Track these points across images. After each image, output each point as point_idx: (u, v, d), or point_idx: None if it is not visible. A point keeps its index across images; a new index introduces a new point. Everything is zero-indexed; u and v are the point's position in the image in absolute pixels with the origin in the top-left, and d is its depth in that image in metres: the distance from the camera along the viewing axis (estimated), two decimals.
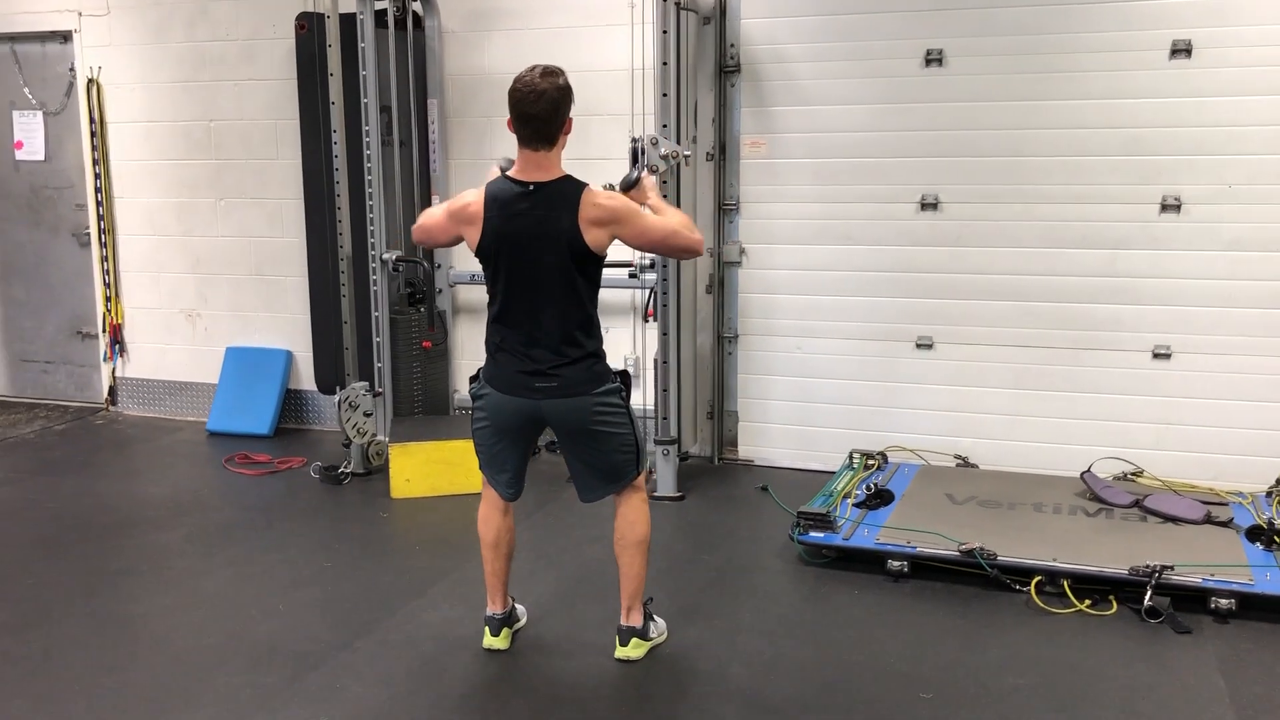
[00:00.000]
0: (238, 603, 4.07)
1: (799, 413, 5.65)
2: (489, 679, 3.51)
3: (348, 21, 5.50)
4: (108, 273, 6.85)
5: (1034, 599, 3.98)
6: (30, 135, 7.00)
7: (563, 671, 3.57)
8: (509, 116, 3.26)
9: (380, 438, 5.63)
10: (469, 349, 6.22)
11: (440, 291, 6.10)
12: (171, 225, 6.70)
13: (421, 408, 5.91)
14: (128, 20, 6.56)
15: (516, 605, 3.84)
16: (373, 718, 3.24)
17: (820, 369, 5.58)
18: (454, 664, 3.58)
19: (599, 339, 3.39)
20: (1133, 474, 5.04)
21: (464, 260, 6.09)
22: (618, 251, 5.48)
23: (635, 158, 4.70)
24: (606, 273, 5.44)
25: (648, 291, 5.28)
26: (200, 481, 5.66)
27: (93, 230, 6.84)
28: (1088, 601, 3.96)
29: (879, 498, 4.80)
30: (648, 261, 5.23)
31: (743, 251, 5.62)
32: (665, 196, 4.97)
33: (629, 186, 3.59)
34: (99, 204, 6.78)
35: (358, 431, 5.54)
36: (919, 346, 5.41)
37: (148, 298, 6.84)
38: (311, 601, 4.08)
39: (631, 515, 3.56)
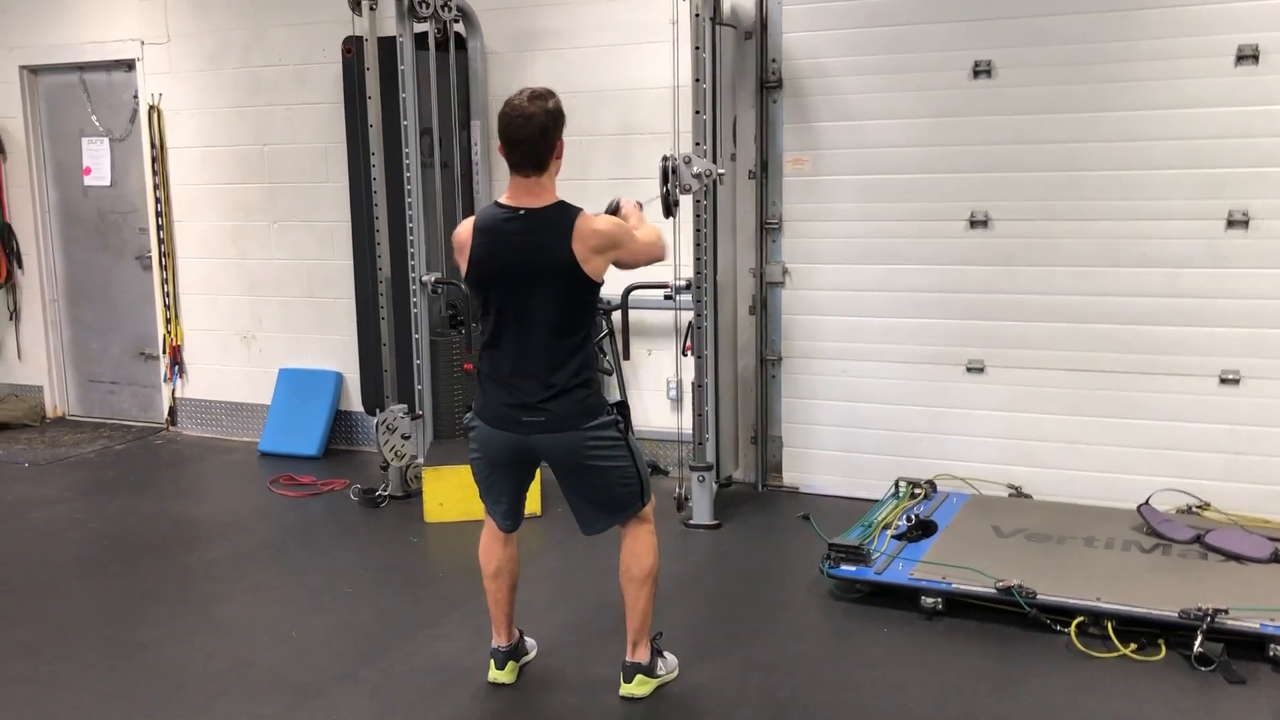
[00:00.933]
0: (252, 629, 4.04)
1: (845, 438, 5.45)
2: (486, 715, 3.40)
3: (390, 45, 5.50)
4: (168, 295, 6.97)
5: (1074, 641, 3.73)
6: (98, 161, 7.18)
7: (563, 709, 3.45)
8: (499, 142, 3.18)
9: (419, 461, 5.59)
10: None
11: None
12: (228, 248, 6.79)
13: (462, 431, 5.85)
14: (187, 47, 6.69)
15: (525, 638, 3.73)
16: None
17: (867, 393, 5.37)
18: (454, 698, 3.49)
19: (592, 369, 3.26)
20: (1197, 507, 4.72)
21: None
22: (653, 273, 5.46)
23: (666, 177, 4.60)
24: (643, 294, 5.49)
25: (688, 324, 5.11)
26: (243, 503, 5.69)
27: (154, 253, 6.97)
28: (1133, 645, 3.69)
29: (920, 529, 4.58)
30: (683, 283, 5.10)
31: (786, 271, 5.45)
32: (700, 216, 4.89)
33: (610, 211, 3.51)
34: (159, 228, 6.91)
35: (395, 454, 5.51)
36: (970, 370, 5.17)
37: (205, 319, 6.94)
38: (325, 628, 4.03)
39: (637, 548, 3.43)
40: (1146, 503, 4.59)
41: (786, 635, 3.93)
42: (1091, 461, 4.99)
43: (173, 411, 7.13)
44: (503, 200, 3.20)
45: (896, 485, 5.11)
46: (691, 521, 5.06)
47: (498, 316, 3.23)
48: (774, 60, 5.32)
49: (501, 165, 5.98)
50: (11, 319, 7.52)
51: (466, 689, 3.54)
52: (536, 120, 3.08)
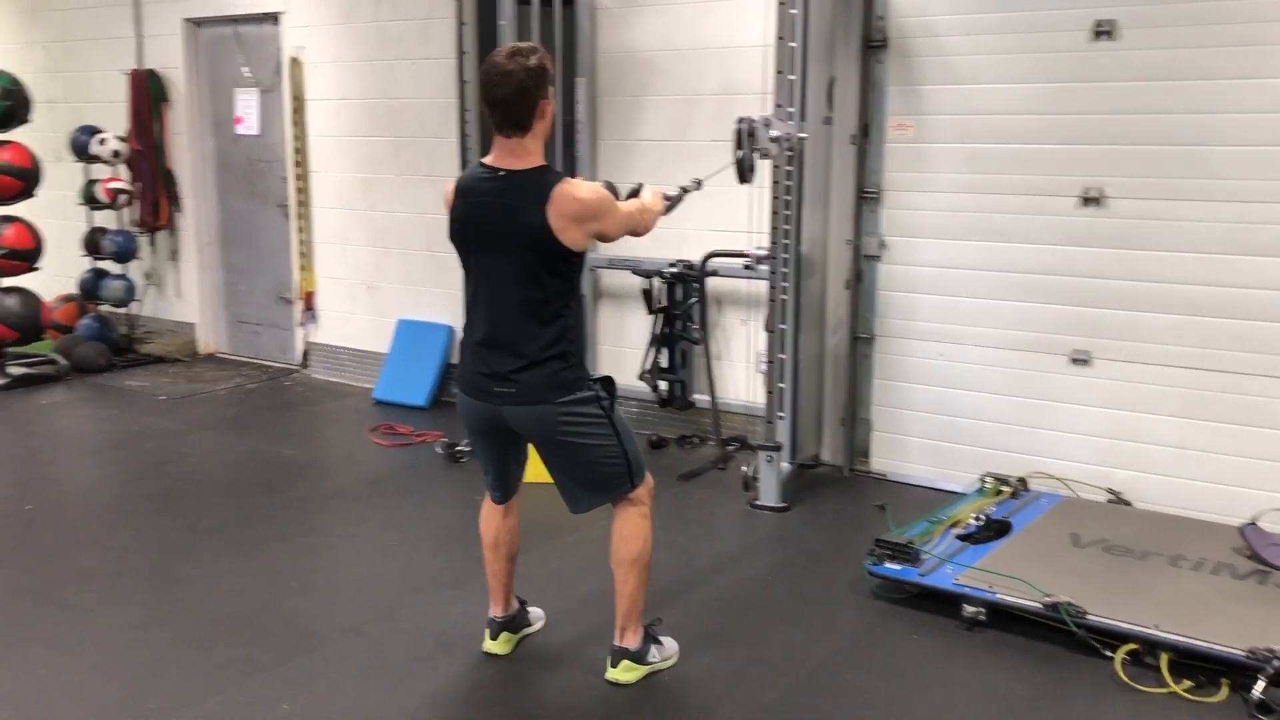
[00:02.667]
0: (285, 575, 4.13)
1: (937, 426, 5.10)
2: (467, 684, 3.36)
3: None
4: (303, 242, 7.23)
5: (1117, 671, 3.35)
6: (248, 111, 7.49)
7: (545, 687, 3.36)
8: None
9: None
10: (610, 335, 6.07)
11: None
12: (357, 199, 6.96)
13: None
14: (326, 0, 6.86)
15: (529, 609, 3.66)
16: (324, 711, 3.17)
17: (962, 379, 5.00)
18: (443, 665, 3.46)
19: (568, 341, 3.10)
20: None
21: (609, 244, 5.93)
22: (733, 241, 5.24)
23: (741, 140, 4.39)
24: (719, 262, 5.28)
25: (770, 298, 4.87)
26: (337, 449, 5.86)
27: (291, 202, 7.23)
28: (1188, 683, 3.29)
29: (992, 530, 4.24)
30: (764, 252, 4.86)
31: (883, 245, 5.12)
32: (780, 183, 4.64)
33: (628, 198, 3.38)
34: (297, 177, 7.16)
35: None
36: (1074, 361, 4.73)
37: (336, 267, 7.16)
38: (354, 580, 4.08)
39: (625, 530, 3.29)
40: (1252, 522, 4.08)
41: (807, 632, 3.71)
42: (1201, 470, 4.48)
43: (305, 355, 7.42)
44: (485, 160, 3.10)
45: (982, 480, 4.75)
46: (757, 502, 4.85)
47: (474, 281, 3.15)
48: (880, 18, 4.96)
49: (607, 124, 5.95)
50: (172, 259, 7.99)
51: (460, 656, 3.51)
52: (515, 78, 2.95)
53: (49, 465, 5.56)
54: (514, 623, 3.55)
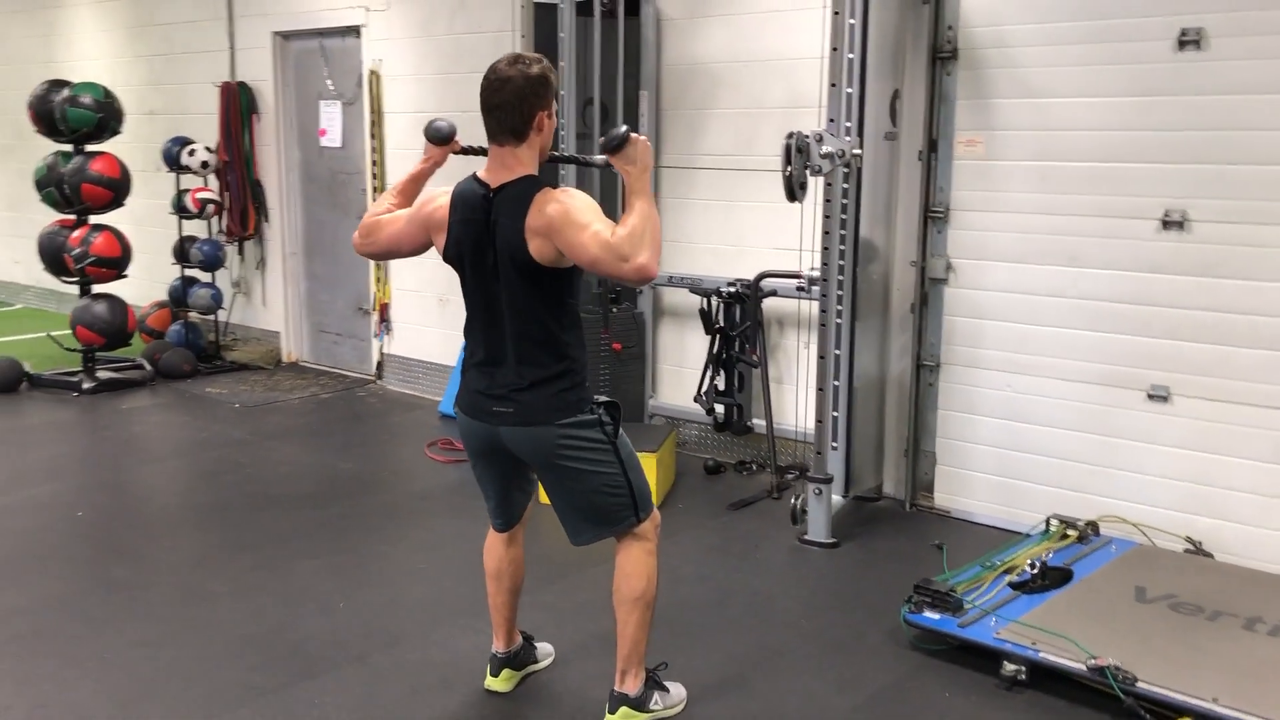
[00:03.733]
0: (309, 595, 4.07)
1: (1004, 462, 4.77)
2: None
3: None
4: None
5: None
6: (331, 123, 7.55)
7: None
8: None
9: None
10: (670, 355, 5.90)
11: (640, 292, 5.82)
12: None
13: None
14: (404, 13, 6.87)
15: (537, 645, 3.52)
16: None
17: (1031, 412, 4.67)
18: (441, 699, 3.34)
19: (570, 360, 2.95)
20: None
21: (672, 261, 5.77)
22: (786, 261, 5.01)
23: (789, 156, 4.19)
24: (778, 283, 5.06)
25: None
26: (393, 463, 5.82)
27: None
28: None
29: (1049, 579, 3.92)
30: (818, 272, 4.63)
31: (950, 267, 4.82)
32: (833, 201, 4.37)
33: (612, 148, 2.80)
34: (374, 189, 7.18)
35: None
36: (1152, 397, 4.36)
37: (411, 280, 7.15)
38: (375, 604, 4.00)
39: (628, 567, 3.11)
40: None
41: (831, 683, 3.46)
42: None
43: (380, 366, 7.44)
44: (479, 173, 2.97)
45: (1048, 522, 4.43)
46: (806, 537, 4.61)
47: (469, 298, 3.02)
48: (950, 27, 4.68)
49: (671, 137, 5.78)
50: (259, 268, 8.12)
51: (459, 692, 3.38)
52: (513, 85, 2.81)
53: (110, 471, 5.66)
54: (517, 659, 3.40)
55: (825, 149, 4.25)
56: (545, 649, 3.54)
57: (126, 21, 8.85)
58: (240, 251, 8.12)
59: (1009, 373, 4.71)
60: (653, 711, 3.18)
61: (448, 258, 3.01)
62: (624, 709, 3.14)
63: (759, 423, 5.44)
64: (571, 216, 2.77)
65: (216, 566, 4.35)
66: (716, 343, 5.40)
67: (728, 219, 5.57)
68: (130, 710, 3.24)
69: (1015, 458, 4.74)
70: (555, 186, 2.88)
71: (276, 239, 7.96)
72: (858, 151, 4.37)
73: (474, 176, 2.96)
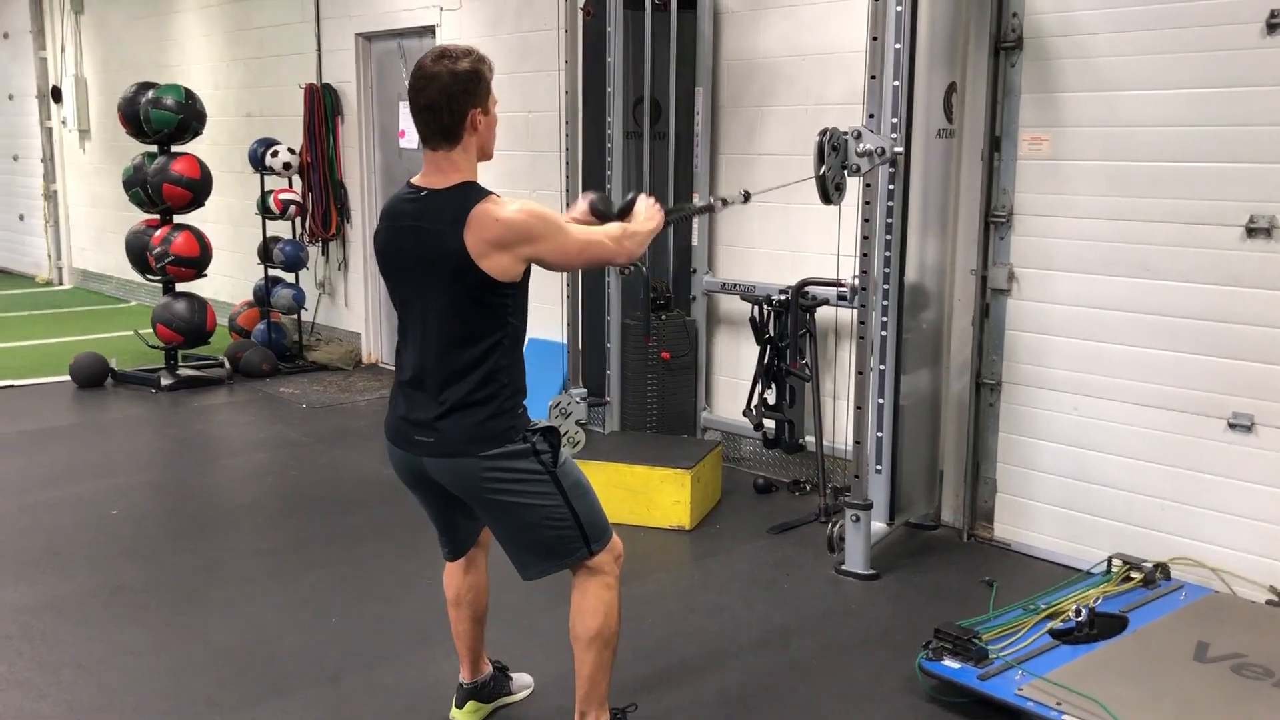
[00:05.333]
0: (306, 608, 3.94)
1: (1069, 493, 4.33)
2: None
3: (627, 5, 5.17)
4: None
5: None
6: (409, 124, 7.49)
7: None
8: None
9: None
10: (725, 365, 5.60)
11: (694, 299, 5.54)
12: None
13: (655, 424, 5.41)
14: (474, 13, 6.76)
15: (512, 676, 3.29)
16: None
17: (1099, 440, 4.22)
18: None
19: (498, 384, 2.69)
20: None
21: (727, 267, 5.50)
22: (828, 268, 4.66)
23: (823, 155, 3.89)
24: (829, 292, 4.72)
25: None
26: None
27: None
28: None
29: (1095, 627, 3.50)
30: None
31: (1012, 277, 4.40)
32: (872, 204, 4.04)
33: (622, 211, 2.98)
34: None
35: (569, 441, 5.21)
36: (1234, 426, 3.87)
37: None
38: (366, 619, 3.83)
39: (583, 603, 2.85)
40: None
41: None
42: None
43: None
44: (414, 179, 2.75)
45: (1109, 563, 3.99)
46: (843, 567, 4.27)
47: (400, 314, 2.80)
48: (1014, 14, 4.27)
49: (729, 136, 5.49)
50: (341, 269, 8.14)
51: (425, 719, 3.18)
52: (439, 82, 2.59)
53: (159, 470, 5.68)
54: (483, 690, 3.18)
55: (863, 147, 3.92)
56: (523, 680, 3.31)
57: (225, 26, 9.01)
58: (324, 252, 8.16)
59: (1075, 394, 4.27)
60: None
61: (380, 268, 2.80)
62: None
63: (811, 440, 5.10)
64: (549, 221, 2.64)
65: (226, 572, 4.27)
66: (767, 354, 5.08)
67: (786, 222, 5.25)
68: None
69: (1081, 488, 4.29)
70: (490, 192, 2.65)
71: (358, 240, 7.96)
72: (899, 150, 4.01)
73: (408, 183, 2.75)
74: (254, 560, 4.38)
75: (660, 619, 3.87)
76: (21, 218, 12.82)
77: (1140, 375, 4.09)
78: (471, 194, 2.61)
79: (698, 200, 3.09)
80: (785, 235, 5.25)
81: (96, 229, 11.32)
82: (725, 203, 3.32)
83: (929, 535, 4.68)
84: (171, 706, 3.24)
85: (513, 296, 2.66)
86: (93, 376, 7.29)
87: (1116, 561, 3.96)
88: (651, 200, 2.99)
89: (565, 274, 5.44)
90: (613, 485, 4.78)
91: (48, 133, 11.87)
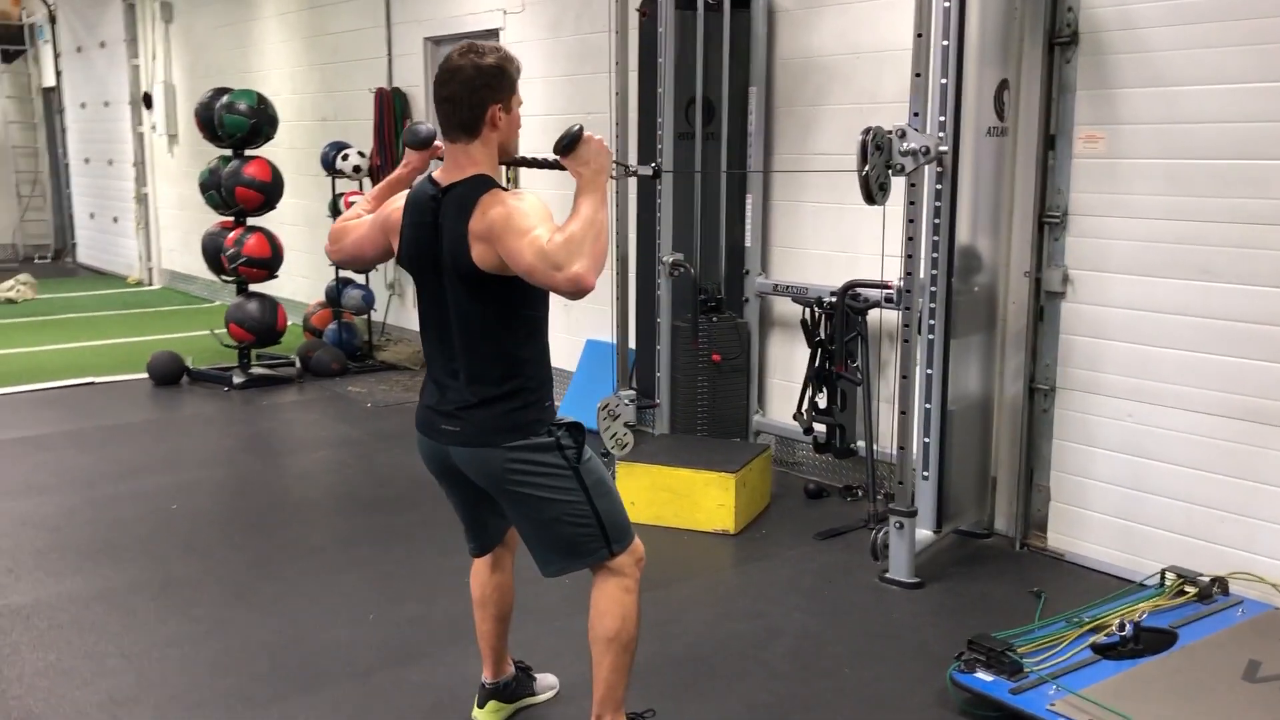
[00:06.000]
0: (345, 606, 3.99)
1: (1124, 502, 4.18)
2: None
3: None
4: None
5: None
6: None
7: None
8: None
9: None
10: (780, 368, 5.54)
11: (747, 301, 5.48)
12: (558, 217, 6.81)
13: (706, 427, 5.37)
14: (535, 16, 6.80)
15: (537, 677, 3.30)
16: None
17: (1156, 448, 4.07)
18: None
19: (524, 377, 2.70)
20: None
21: (781, 268, 5.44)
22: (875, 268, 4.57)
23: (865, 155, 3.82)
24: (869, 294, 4.63)
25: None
26: None
27: None
28: None
29: (1140, 643, 3.38)
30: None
31: (1067, 279, 4.27)
32: (916, 204, 3.96)
33: (562, 147, 2.56)
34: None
35: (617, 443, 5.19)
36: None
37: None
38: (401, 619, 3.87)
39: (601, 604, 2.83)
40: None
41: None
42: None
43: None
44: (434, 173, 2.76)
45: (1163, 575, 3.84)
46: (886, 575, 4.18)
47: (422, 307, 2.82)
48: (1069, 9, 4.14)
49: (783, 136, 5.42)
50: None
51: (448, 718, 3.20)
52: (463, 74, 2.59)
53: (221, 466, 5.81)
54: (505, 690, 3.18)
55: (908, 145, 3.84)
56: (547, 681, 3.31)
57: (303, 32, 9.21)
58: None
59: (1131, 400, 4.12)
60: None
61: (401, 263, 2.82)
62: None
63: (865, 445, 5.01)
64: (513, 221, 2.52)
65: (273, 568, 4.34)
66: (818, 357, 5.00)
67: (839, 223, 5.17)
68: (118, 711, 3.22)
69: (1137, 498, 4.14)
70: (505, 188, 2.64)
71: None
72: (944, 149, 3.92)
73: (429, 177, 2.76)
74: (302, 557, 4.46)
75: (694, 624, 3.84)
76: (116, 220, 13.27)
77: (1198, 382, 3.93)
78: (479, 187, 2.61)
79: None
80: (838, 236, 5.17)
81: (183, 231, 11.65)
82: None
83: (980, 544, 4.57)
84: (204, 699, 3.30)
85: (521, 288, 2.63)
86: (169, 374, 7.50)
87: (1170, 575, 3.81)
88: (599, 140, 2.61)
89: (613, 275, 5.43)
90: (657, 488, 4.77)
91: (139, 138, 12.27)
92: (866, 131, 3.82)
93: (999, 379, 4.47)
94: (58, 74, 14.27)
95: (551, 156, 2.68)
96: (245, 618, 3.89)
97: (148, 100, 11.89)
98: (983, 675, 3.21)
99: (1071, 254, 4.25)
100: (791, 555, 4.47)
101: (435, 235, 2.65)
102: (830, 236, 5.22)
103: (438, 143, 2.91)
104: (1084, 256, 4.22)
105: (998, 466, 4.57)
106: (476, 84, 2.59)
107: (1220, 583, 3.77)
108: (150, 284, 12.57)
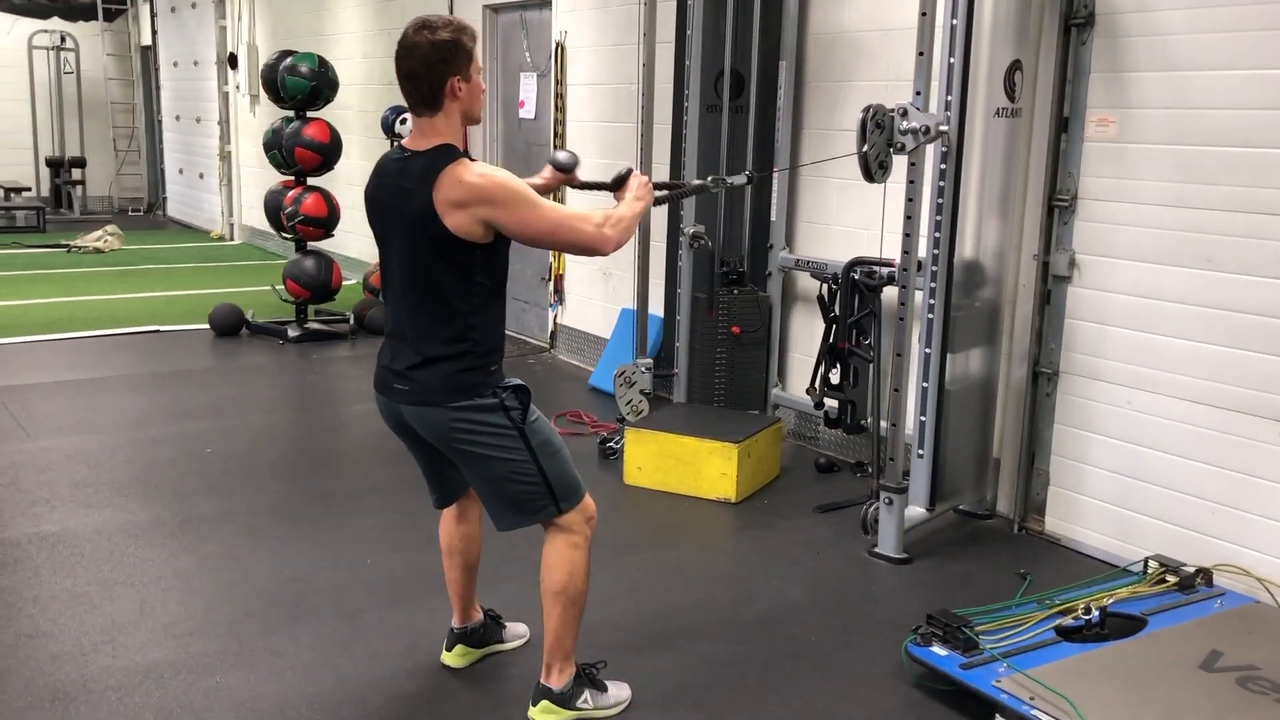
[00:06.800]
0: (349, 549, 4.17)
1: (1119, 489, 4.17)
2: (384, 693, 3.18)
3: None
4: None
5: None
6: (528, 95, 7.70)
7: (468, 715, 3.12)
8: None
9: None
10: (802, 343, 5.58)
11: (770, 275, 5.53)
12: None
13: (723, 398, 5.45)
14: None
15: (506, 625, 3.44)
16: (232, 688, 3.15)
17: (1152, 436, 4.04)
18: (392, 665, 3.33)
19: (471, 341, 2.81)
20: None
21: (805, 243, 5.48)
22: (880, 246, 4.59)
23: (864, 133, 3.86)
24: (881, 271, 4.63)
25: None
26: None
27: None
28: None
29: (1107, 627, 3.40)
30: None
31: (1074, 263, 4.25)
32: (915, 183, 4.00)
33: (616, 182, 3.05)
34: None
35: (632, 410, 5.31)
36: None
37: None
38: (399, 565, 4.04)
39: (550, 559, 2.96)
40: None
41: (798, 711, 3.15)
42: None
43: (553, 336, 7.55)
44: (404, 141, 2.89)
45: (1145, 564, 3.83)
46: (875, 550, 4.23)
47: (382, 269, 2.96)
48: None
49: (811, 111, 5.44)
50: None
51: (414, 660, 3.37)
52: (419, 52, 2.71)
53: (260, 414, 6.07)
54: (473, 636, 3.33)
55: (908, 124, 3.86)
56: (517, 630, 3.45)
57: None
58: None
59: (1130, 388, 4.10)
60: (579, 710, 3.02)
61: (369, 223, 2.96)
62: (545, 702, 3.00)
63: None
64: (513, 191, 2.71)
65: (287, 511, 4.56)
66: (832, 332, 5.04)
67: (863, 200, 5.17)
68: (116, 634, 3.45)
69: (1132, 485, 4.12)
70: (471, 157, 2.76)
71: None
72: (945, 128, 3.92)
73: (398, 144, 2.89)
74: (316, 502, 4.67)
75: (674, 585, 3.95)
76: (202, 176, 13.74)
77: (1197, 372, 3.89)
78: (444, 155, 2.72)
79: (694, 180, 3.16)
80: (862, 212, 5.17)
81: (262, 189, 11.96)
82: (724, 183, 3.35)
83: (980, 525, 4.58)
84: (196, 628, 3.52)
85: (481, 256, 2.75)
86: (229, 326, 7.82)
87: (1154, 563, 3.80)
88: (644, 179, 3.05)
89: (635, 246, 5.51)
90: (664, 454, 4.87)
91: (224, 97, 12.67)
92: (867, 109, 3.85)
93: (1008, 361, 4.47)
94: (154, 33, 14.78)
95: (604, 181, 3.11)
96: (252, 556, 4.10)
97: (233, 60, 12.27)
98: (937, 649, 3.26)
99: (1079, 238, 4.22)
100: (787, 526, 4.54)
101: (397, 201, 2.78)
102: (855, 213, 5.23)
103: (576, 173, 3.24)
104: (1091, 241, 4.19)
105: (1002, 449, 4.57)
106: (433, 59, 2.71)
107: (1205, 574, 3.75)
108: (231, 239, 13.01)
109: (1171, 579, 3.72)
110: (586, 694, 3.04)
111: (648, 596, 3.84)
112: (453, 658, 3.31)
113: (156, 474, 4.95)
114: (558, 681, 3.00)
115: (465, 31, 2.76)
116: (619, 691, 3.10)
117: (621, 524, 4.59)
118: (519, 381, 2.91)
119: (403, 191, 2.77)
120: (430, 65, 2.71)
